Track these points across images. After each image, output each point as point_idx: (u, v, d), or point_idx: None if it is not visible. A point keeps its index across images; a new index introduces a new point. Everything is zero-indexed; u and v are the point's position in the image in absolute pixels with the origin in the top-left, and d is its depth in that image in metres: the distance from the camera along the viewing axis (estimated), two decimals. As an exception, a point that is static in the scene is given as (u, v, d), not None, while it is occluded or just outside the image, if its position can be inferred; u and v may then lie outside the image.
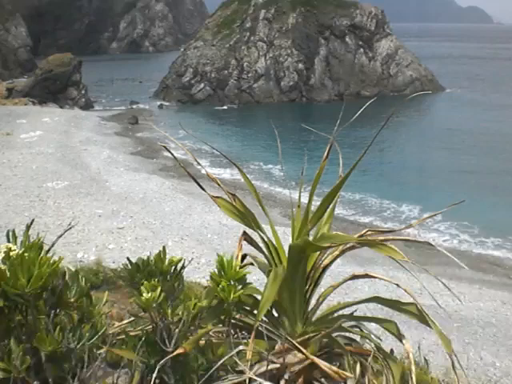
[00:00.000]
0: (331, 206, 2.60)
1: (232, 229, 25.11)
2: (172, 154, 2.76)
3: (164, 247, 2.27)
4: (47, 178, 31.93)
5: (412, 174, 41.86)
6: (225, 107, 74.90)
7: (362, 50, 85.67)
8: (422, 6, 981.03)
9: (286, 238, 3.39)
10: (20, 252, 1.85)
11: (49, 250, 2.17)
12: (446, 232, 29.74)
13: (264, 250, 2.62)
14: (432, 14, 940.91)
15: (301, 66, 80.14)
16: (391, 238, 2.71)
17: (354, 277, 2.89)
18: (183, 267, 2.35)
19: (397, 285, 2.91)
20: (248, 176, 3.09)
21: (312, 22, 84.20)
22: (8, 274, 1.76)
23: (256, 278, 3.28)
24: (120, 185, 32.68)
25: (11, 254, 1.84)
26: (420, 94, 79.52)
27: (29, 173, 32.72)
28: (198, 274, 17.59)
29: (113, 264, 16.60)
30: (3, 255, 1.85)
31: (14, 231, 2.10)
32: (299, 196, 2.81)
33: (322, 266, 2.69)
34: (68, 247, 19.83)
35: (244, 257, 2.72)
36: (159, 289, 2.06)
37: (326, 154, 2.80)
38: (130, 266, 2.29)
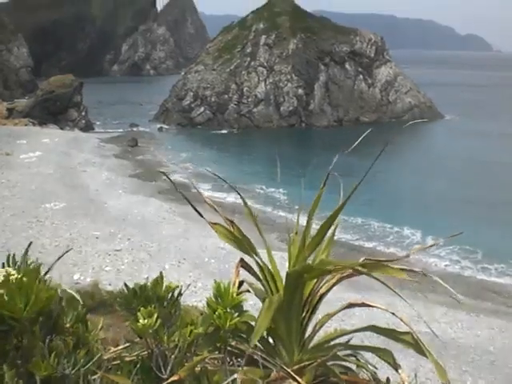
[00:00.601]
0: (330, 233, 2.61)
1: (230, 253, 25.02)
2: (170, 180, 2.77)
3: (161, 273, 2.27)
4: (45, 198, 31.89)
5: (412, 199, 42.03)
6: (224, 131, 75.14)
7: (361, 76, 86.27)
8: (421, 33, 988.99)
9: (283, 263, 3.39)
10: (18, 277, 1.85)
11: (46, 273, 2.17)
12: (446, 257, 29.80)
13: (261, 277, 2.62)
14: (432, 42, 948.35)
15: (300, 91, 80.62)
16: (388, 266, 2.72)
17: (351, 305, 2.89)
18: (180, 294, 2.35)
19: (393, 313, 2.91)
20: (247, 200, 3.10)
21: (312, 48, 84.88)
22: (6, 298, 1.76)
23: (253, 302, 3.27)
24: (118, 207, 32.65)
25: (10, 278, 1.85)
26: (419, 121, 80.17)
27: (27, 193, 32.69)
28: (195, 297, 17.50)
29: (109, 286, 16.52)
30: (2, 279, 1.85)
31: (13, 256, 2.10)
32: (297, 222, 2.81)
33: (318, 293, 2.69)
34: (65, 269, 19.75)
35: (241, 283, 2.72)
36: (156, 315, 2.05)
37: (324, 181, 2.82)
38: (126, 292, 2.28)
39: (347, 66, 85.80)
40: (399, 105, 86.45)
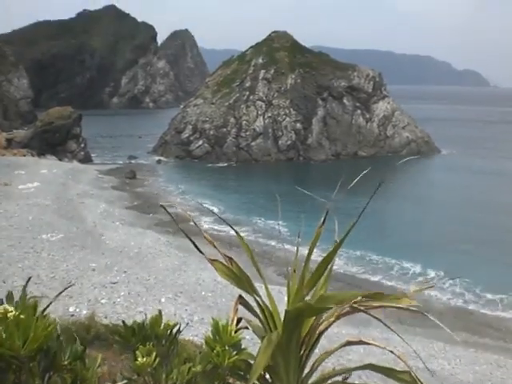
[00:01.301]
0: (327, 271, 2.61)
1: (226, 287, 24.91)
2: (171, 216, 2.78)
3: (160, 311, 2.27)
4: (42, 229, 31.79)
5: (410, 233, 42.04)
6: (223, 164, 75.36)
7: (359, 111, 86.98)
8: (418, 69, 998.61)
9: (280, 296, 3.37)
10: (16, 314, 1.85)
11: (45, 309, 2.16)
12: (448, 290, 29.80)
13: (259, 315, 2.61)
14: (429, 77, 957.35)
15: (299, 125, 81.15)
16: (386, 304, 2.72)
17: (349, 343, 2.87)
18: (179, 331, 2.34)
19: (391, 351, 2.89)
20: (244, 233, 3.11)
21: (310, 83, 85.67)
22: (4, 335, 1.76)
23: (249, 337, 3.26)
24: (115, 239, 32.55)
25: (8, 315, 1.84)
26: (416, 155, 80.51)
27: (24, 224, 32.58)
28: (192, 331, 17.39)
29: (105, 319, 16.40)
30: (0, 317, 1.85)
31: (11, 293, 2.10)
32: (295, 260, 2.82)
33: (317, 331, 2.68)
34: (60, 301, 19.59)
35: (239, 320, 2.71)
36: (154, 354, 2.04)
37: (322, 220, 2.83)
38: (124, 329, 2.28)
39: (345, 100, 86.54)
40: (397, 139, 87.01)
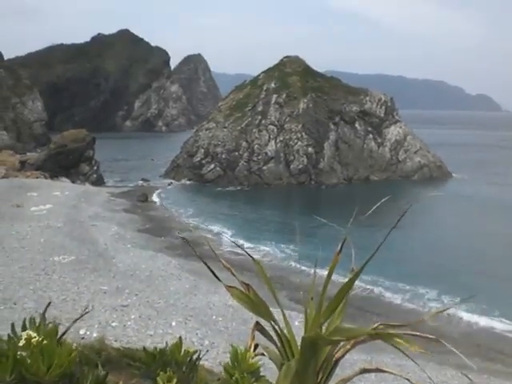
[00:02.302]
0: (344, 300, 2.61)
1: (237, 311, 24.82)
2: (188, 244, 2.80)
3: (180, 338, 2.28)
4: (54, 251, 31.85)
5: (424, 259, 41.69)
6: (234, 188, 75.41)
7: (371, 135, 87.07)
8: (430, 93, 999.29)
9: (292, 322, 3.36)
10: (39, 340, 1.86)
11: (63, 334, 2.18)
12: (461, 315, 29.58)
13: (276, 341, 2.62)
14: (441, 102, 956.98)
15: (310, 149, 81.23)
16: (402, 332, 2.71)
17: (365, 371, 2.87)
18: (199, 358, 2.35)
19: (407, 379, 2.88)
20: (257, 257, 3.12)
21: (322, 108, 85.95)
22: (28, 361, 1.77)
23: (263, 361, 3.25)
24: (126, 262, 32.55)
25: (32, 341, 1.86)
26: (428, 180, 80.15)
27: (36, 246, 32.67)
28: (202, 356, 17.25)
29: (115, 342, 16.34)
30: (24, 342, 1.86)
31: (34, 319, 2.12)
32: (312, 287, 2.83)
33: (334, 358, 2.68)
34: (70, 323, 19.56)
35: (256, 346, 2.71)
36: (175, 380, 2.05)
37: (339, 248, 2.83)
38: (145, 355, 2.28)
39: (357, 125, 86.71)
40: (409, 164, 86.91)
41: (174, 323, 22.13)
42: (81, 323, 20.61)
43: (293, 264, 38.01)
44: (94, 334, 18.55)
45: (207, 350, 16.83)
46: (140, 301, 24.70)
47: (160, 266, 32.69)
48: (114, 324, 21.20)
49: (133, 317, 22.26)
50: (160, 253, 36.86)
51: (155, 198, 65.04)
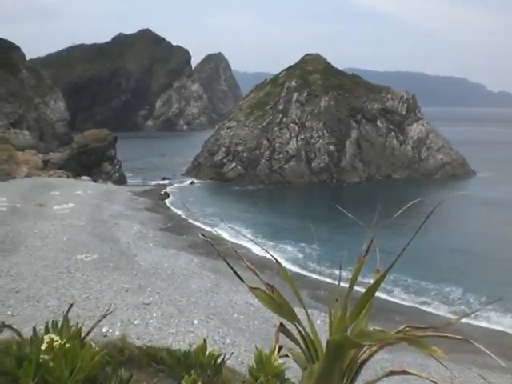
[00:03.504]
0: (369, 303, 2.57)
1: (258, 309, 24.80)
2: (213, 245, 2.77)
3: (205, 341, 2.25)
4: (77, 250, 32.03)
5: (448, 258, 41.27)
6: (255, 187, 75.40)
7: (393, 133, 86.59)
8: (452, 90, 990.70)
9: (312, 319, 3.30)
10: (62, 343, 1.84)
11: (86, 335, 2.16)
12: (486, 315, 29.20)
13: (301, 343, 2.59)
14: (463, 99, 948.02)
15: (332, 148, 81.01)
16: (429, 334, 2.66)
17: (392, 373, 2.83)
18: (223, 361, 2.32)
19: (434, 382, 2.83)
20: (276, 256, 3.08)
21: (344, 106, 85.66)
22: (51, 364, 1.76)
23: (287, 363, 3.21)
24: (148, 260, 32.66)
25: (54, 345, 1.84)
26: (451, 178, 79.32)
27: (59, 244, 32.88)
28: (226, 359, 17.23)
29: (137, 340, 16.39)
30: (46, 346, 1.85)
31: (56, 322, 2.10)
32: (338, 288, 2.79)
33: (359, 360, 2.64)
34: (93, 321, 19.65)
35: (280, 348, 2.68)
36: (200, 383, 2.02)
37: (366, 248, 2.79)
38: (169, 357, 2.26)
39: (379, 123, 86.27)
40: (431, 162, 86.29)
41: (195, 321, 22.14)
42: (103, 321, 20.72)
43: (312, 263, 37.92)
44: (117, 332, 18.62)
45: (232, 353, 16.85)
46: (162, 299, 24.74)
47: (182, 264, 32.76)
48: (136, 322, 21.26)
49: (155, 315, 22.31)
50: (182, 251, 36.94)
51: (177, 196, 65.23)
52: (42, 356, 1.80)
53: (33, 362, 1.75)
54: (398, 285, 33.61)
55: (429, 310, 30.99)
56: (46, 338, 1.86)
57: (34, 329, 2.09)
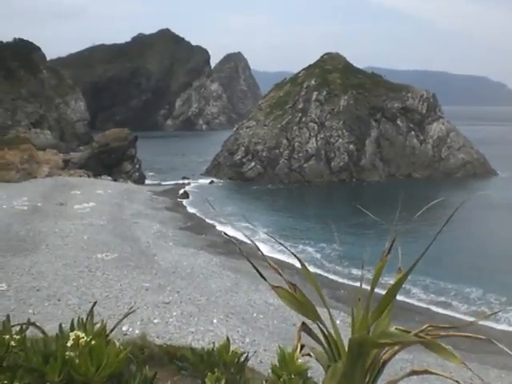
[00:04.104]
0: (392, 302, 2.57)
1: (278, 309, 24.80)
2: (237, 245, 2.77)
3: (228, 339, 2.26)
4: (97, 249, 32.23)
5: (468, 258, 40.80)
6: (275, 186, 75.33)
7: (413, 132, 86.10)
8: (473, 89, 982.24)
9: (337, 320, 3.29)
10: (87, 340, 1.86)
11: (110, 331, 2.18)
12: (506, 316, 28.90)
13: (323, 343, 2.59)
14: (484, 98, 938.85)
15: (351, 147, 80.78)
16: (452, 334, 2.65)
17: (414, 373, 2.82)
18: (246, 360, 2.33)
19: (457, 382, 2.81)
20: (296, 255, 3.07)
21: (363, 105, 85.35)
22: (77, 361, 1.78)
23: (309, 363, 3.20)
24: (168, 259, 32.78)
25: (80, 342, 1.86)
26: (472, 177, 78.55)
27: (79, 243, 33.11)
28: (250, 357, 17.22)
29: (157, 339, 16.45)
30: (72, 343, 1.87)
31: (82, 319, 2.12)
32: (360, 288, 2.78)
33: (381, 360, 2.63)
34: (114, 320, 19.76)
35: (302, 347, 2.68)
36: (223, 381, 2.03)
37: (388, 248, 2.78)
38: (192, 356, 2.27)
39: (399, 122, 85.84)
40: (452, 161, 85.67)
41: (215, 320, 22.19)
42: (123, 320, 20.82)
43: (331, 264, 37.81)
44: (137, 331, 18.71)
45: (255, 351, 16.86)
46: (182, 298, 24.83)
47: (201, 263, 32.83)
48: (155, 321, 21.36)
49: (174, 314, 22.39)
50: (201, 250, 37.02)
51: (197, 196, 65.40)
52: (67, 353, 1.83)
53: (59, 358, 1.77)
54: (416, 285, 33.32)
55: (448, 309, 30.75)
56: (72, 335, 1.89)
57: (60, 326, 2.11)
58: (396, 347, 2.58)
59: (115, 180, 70.47)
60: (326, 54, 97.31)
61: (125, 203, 51.87)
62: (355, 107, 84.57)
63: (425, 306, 31.11)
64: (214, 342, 2.49)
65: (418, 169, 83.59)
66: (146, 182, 76.37)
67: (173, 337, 19.31)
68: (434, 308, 30.92)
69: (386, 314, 2.54)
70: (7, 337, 1.99)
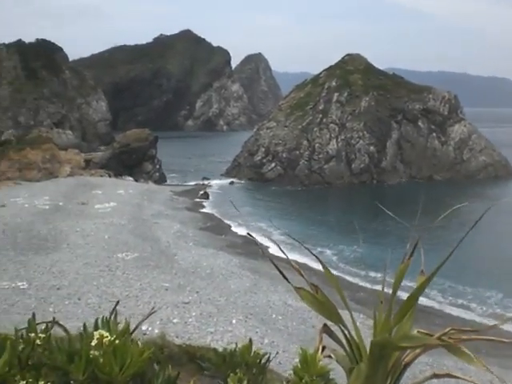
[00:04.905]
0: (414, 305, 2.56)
1: (297, 310, 24.77)
2: (258, 245, 2.78)
3: (251, 340, 2.26)
4: (118, 248, 32.44)
5: (488, 262, 40.39)
6: (295, 187, 75.18)
7: (434, 134, 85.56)
8: (495, 91, 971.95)
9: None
10: (111, 339, 1.88)
11: (133, 331, 2.19)
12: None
13: (345, 344, 2.58)
14: (506, 100, 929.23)
15: (372, 148, 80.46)
16: (475, 337, 2.63)
17: (435, 376, 2.80)
18: (268, 361, 2.33)
19: (478, 386, 2.78)
20: (318, 257, 3.06)
21: (384, 106, 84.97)
22: (101, 360, 1.79)
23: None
24: (188, 259, 32.86)
25: (104, 341, 1.88)
26: (493, 179, 77.66)
27: (100, 243, 33.34)
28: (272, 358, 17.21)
29: (176, 339, 16.50)
30: (96, 342, 1.88)
31: (106, 318, 2.14)
32: (382, 291, 2.77)
33: (403, 363, 2.62)
34: (133, 319, 19.80)
35: (323, 349, 2.67)
36: (245, 382, 2.04)
37: (411, 251, 2.76)
38: (215, 356, 2.28)
39: (420, 123, 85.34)
40: (473, 163, 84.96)
41: (234, 321, 22.22)
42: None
43: (351, 266, 37.65)
44: (156, 330, 18.77)
45: (277, 352, 16.83)
46: (201, 298, 24.89)
47: (221, 263, 32.86)
48: (175, 321, 21.44)
49: (194, 314, 22.46)
50: (221, 251, 37.06)
51: (217, 196, 65.53)
52: (92, 352, 1.85)
53: (83, 357, 1.79)
54: (435, 288, 32.97)
55: (468, 313, 30.48)
56: (96, 334, 1.90)
57: (85, 325, 2.13)
58: (418, 350, 2.57)
59: (136, 180, 70.85)
60: (347, 54, 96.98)
61: (145, 203, 52.13)
62: (376, 108, 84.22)
63: (444, 309, 30.87)
64: (236, 343, 2.49)
65: (439, 171, 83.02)
66: (167, 182, 76.64)
67: (192, 337, 19.37)
68: (454, 311, 30.68)
69: (408, 316, 2.53)
70: (33, 335, 2.02)
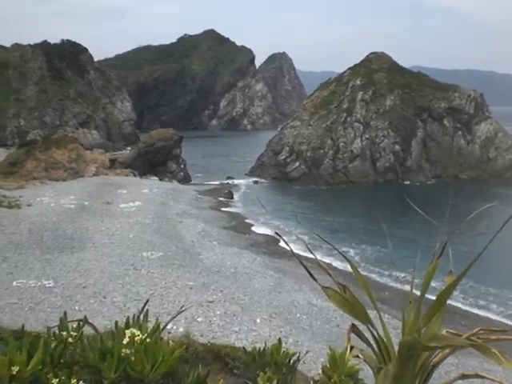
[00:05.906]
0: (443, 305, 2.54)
1: (321, 309, 24.69)
2: (287, 244, 2.79)
3: (280, 339, 2.27)
4: (143, 247, 32.61)
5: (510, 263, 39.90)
6: (319, 186, 75.00)
7: (460, 132, 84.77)
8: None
9: (377, 322, 3.28)
10: (143, 338, 1.89)
11: (162, 329, 2.21)
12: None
13: (373, 345, 2.57)
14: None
15: (397, 147, 79.96)
16: (504, 337, 2.60)
17: (463, 376, 2.78)
18: (298, 360, 2.33)
19: (507, 387, 2.76)
20: (346, 257, 3.05)
21: (409, 104, 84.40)
22: (133, 359, 1.81)
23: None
24: (212, 258, 32.94)
25: (135, 339, 1.89)
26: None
27: (125, 242, 33.55)
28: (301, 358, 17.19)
29: (201, 338, 16.54)
30: (128, 340, 1.90)
31: (137, 317, 2.16)
32: (411, 291, 2.76)
33: (431, 363, 2.61)
34: (159, 318, 19.89)
35: (351, 349, 2.67)
36: (275, 381, 2.04)
37: (440, 251, 2.75)
38: (245, 355, 2.29)
39: (445, 122, 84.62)
40: (499, 162, 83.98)
41: (258, 320, 22.20)
42: (168, 318, 20.95)
43: (374, 266, 37.43)
44: (181, 329, 18.83)
45: (306, 352, 16.82)
46: (225, 297, 24.92)
47: (245, 263, 32.87)
48: (199, 319, 21.48)
49: (218, 313, 22.50)
50: (245, 250, 37.08)
51: (241, 195, 65.61)
52: (123, 350, 1.86)
53: (115, 355, 1.81)
54: (460, 288, 32.60)
55: (494, 314, 30.16)
56: (128, 333, 1.92)
57: (116, 323, 2.15)
58: (446, 350, 2.55)
59: (160, 179, 71.17)
60: (371, 53, 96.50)
61: (170, 202, 52.33)
62: (401, 107, 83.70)
63: (470, 309, 30.56)
64: (265, 342, 2.49)
65: (465, 170, 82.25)
66: (191, 181, 76.89)
67: (216, 335, 19.40)
68: (481, 312, 30.37)
69: (437, 317, 2.51)
70: (65, 333, 2.04)
